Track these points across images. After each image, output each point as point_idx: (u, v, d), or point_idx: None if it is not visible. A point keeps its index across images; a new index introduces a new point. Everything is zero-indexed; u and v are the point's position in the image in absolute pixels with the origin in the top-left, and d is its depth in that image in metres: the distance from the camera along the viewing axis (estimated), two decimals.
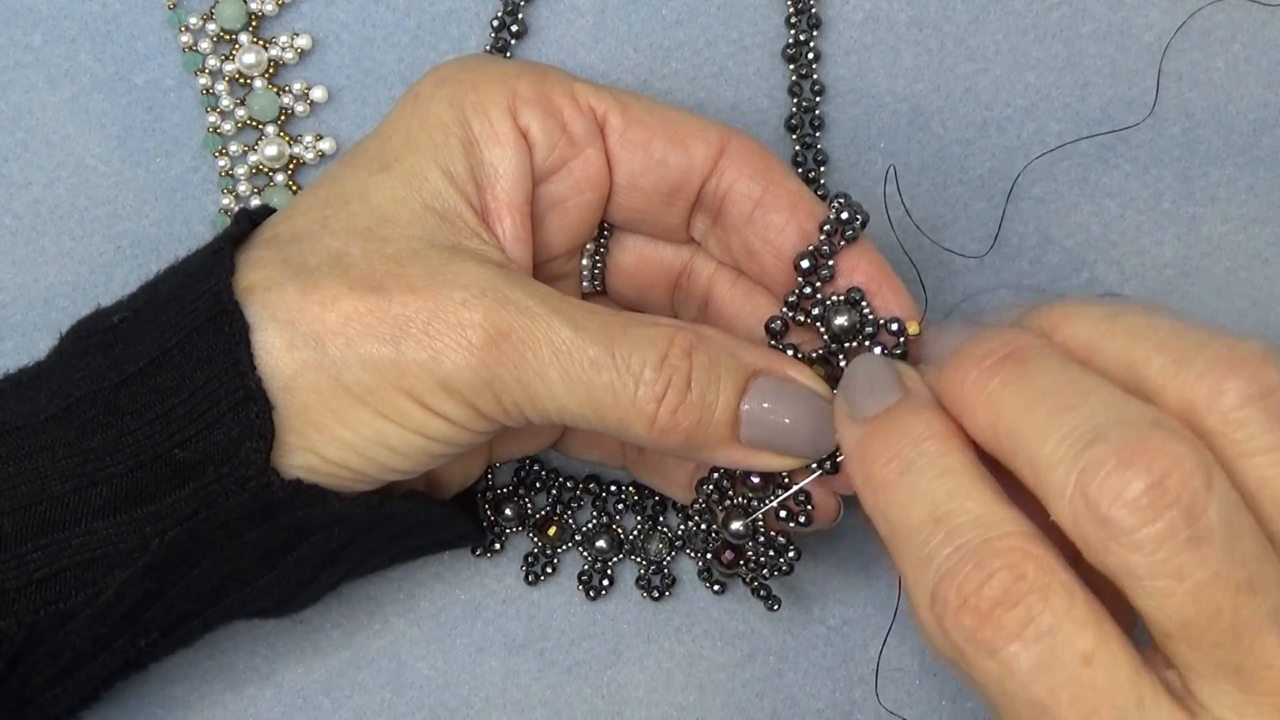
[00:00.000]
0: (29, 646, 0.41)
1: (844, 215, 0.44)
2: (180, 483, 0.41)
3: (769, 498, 0.45)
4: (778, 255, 0.44)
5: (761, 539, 0.46)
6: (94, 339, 0.43)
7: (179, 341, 0.41)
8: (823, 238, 0.44)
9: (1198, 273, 0.52)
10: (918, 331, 0.44)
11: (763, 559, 0.46)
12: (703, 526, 0.46)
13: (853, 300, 0.44)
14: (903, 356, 0.44)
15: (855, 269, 0.44)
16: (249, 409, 0.40)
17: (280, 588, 0.45)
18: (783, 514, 0.45)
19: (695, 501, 0.46)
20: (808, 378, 0.43)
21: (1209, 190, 0.52)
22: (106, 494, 0.41)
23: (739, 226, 0.45)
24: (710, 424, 0.42)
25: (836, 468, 0.44)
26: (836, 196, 0.44)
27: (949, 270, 0.52)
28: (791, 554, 0.46)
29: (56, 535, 0.41)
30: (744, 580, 0.48)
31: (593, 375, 0.41)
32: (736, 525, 0.45)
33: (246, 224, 0.44)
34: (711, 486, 0.46)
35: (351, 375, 0.41)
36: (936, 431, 0.39)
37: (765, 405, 0.42)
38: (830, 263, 0.44)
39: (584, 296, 0.48)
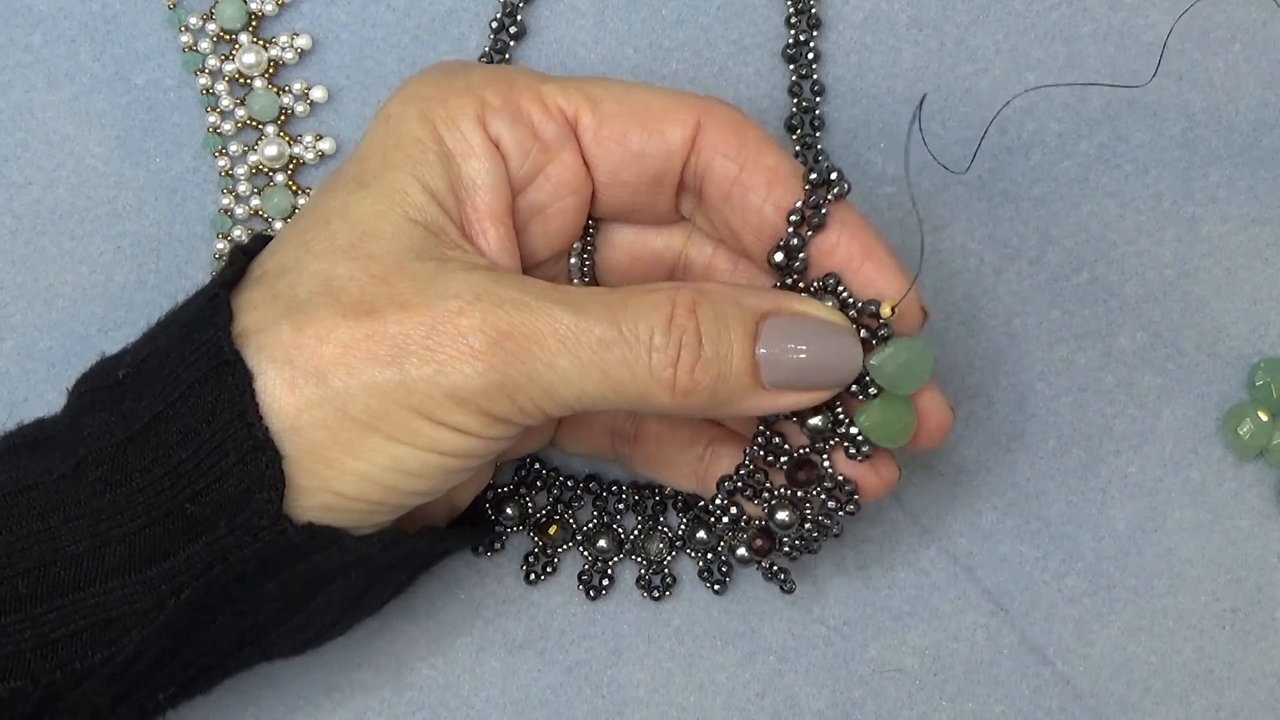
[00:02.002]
0: (45, 705, 0.41)
1: (811, 200, 0.43)
2: (193, 537, 0.40)
3: (817, 488, 0.45)
4: (758, 235, 0.44)
5: (808, 525, 0.45)
6: (100, 394, 0.42)
7: (182, 395, 0.41)
8: (790, 230, 0.43)
9: (1198, 273, 0.52)
10: (890, 314, 0.43)
11: (799, 542, 0.46)
12: (724, 520, 0.46)
13: (829, 286, 0.43)
14: (886, 338, 0.43)
15: (837, 246, 0.43)
16: (258, 459, 0.40)
17: (301, 634, 0.45)
18: (831, 504, 0.45)
19: (716, 497, 0.46)
20: (817, 309, 0.43)
21: (1209, 190, 0.52)
22: (120, 553, 0.40)
23: (719, 206, 0.44)
24: (730, 375, 0.41)
25: (867, 384, 0.43)
26: (809, 172, 0.43)
27: (949, 270, 0.52)
28: (835, 531, 0.46)
29: (72, 596, 0.40)
30: (758, 564, 0.47)
31: (604, 354, 0.40)
32: (783, 515, 0.45)
33: (241, 263, 0.43)
34: (738, 481, 0.45)
35: (357, 404, 0.40)
36: None
37: (781, 344, 0.42)
38: (802, 255, 0.43)
39: None
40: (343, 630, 0.47)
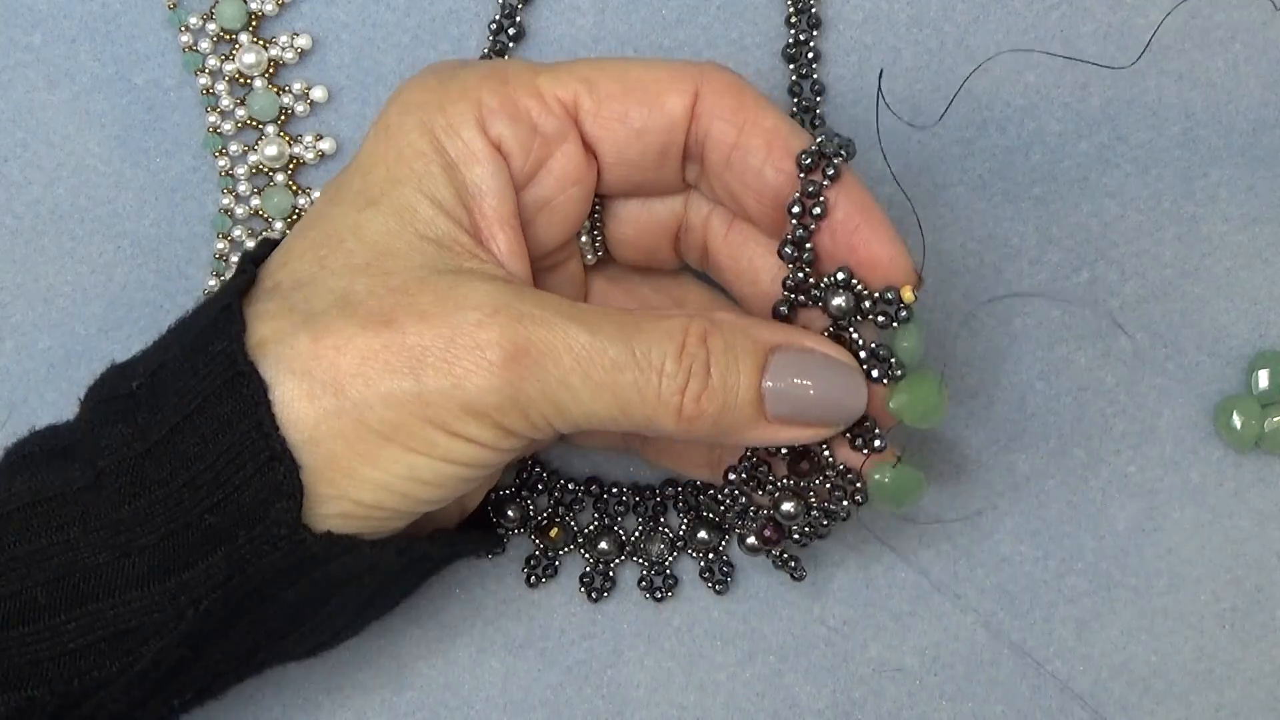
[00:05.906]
0: (61, 713, 0.41)
1: (810, 190, 0.43)
2: (212, 548, 0.40)
3: (818, 478, 0.45)
4: (759, 198, 0.44)
5: (815, 513, 0.46)
6: (114, 404, 0.42)
7: (198, 407, 0.41)
8: (794, 223, 0.43)
9: (1198, 272, 0.52)
10: (912, 298, 0.43)
11: (807, 529, 0.46)
12: (735, 509, 0.46)
13: (841, 282, 0.43)
14: (907, 320, 0.43)
15: (835, 207, 0.43)
16: (275, 469, 0.40)
17: (314, 638, 0.45)
18: (837, 493, 0.45)
19: (725, 488, 0.46)
20: (825, 345, 0.43)
21: (1209, 190, 0.52)
22: (139, 564, 0.40)
23: (720, 172, 0.44)
24: (735, 405, 0.42)
25: (874, 440, 0.44)
26: (801, 155, 0.43)
27: (949, 270, 0.52)
28: (844, 516, 0.46)
29: (90, 606, 0.40)
30: (767, 553, 0.47)
31: (615, 376, 0.41)
32: (788, 506, 0.45)
33: (252, 271, 0.43)
34: (743, 473, 0.46)
35: (375, 414, 0.40)
36: None
37: (788, 378, 0.42)
38: (809, 246, 0.43)
39: (588, 269, 0.48)
40: (354, 633, 0.47)
